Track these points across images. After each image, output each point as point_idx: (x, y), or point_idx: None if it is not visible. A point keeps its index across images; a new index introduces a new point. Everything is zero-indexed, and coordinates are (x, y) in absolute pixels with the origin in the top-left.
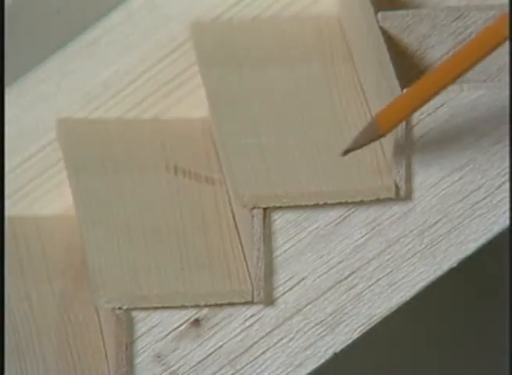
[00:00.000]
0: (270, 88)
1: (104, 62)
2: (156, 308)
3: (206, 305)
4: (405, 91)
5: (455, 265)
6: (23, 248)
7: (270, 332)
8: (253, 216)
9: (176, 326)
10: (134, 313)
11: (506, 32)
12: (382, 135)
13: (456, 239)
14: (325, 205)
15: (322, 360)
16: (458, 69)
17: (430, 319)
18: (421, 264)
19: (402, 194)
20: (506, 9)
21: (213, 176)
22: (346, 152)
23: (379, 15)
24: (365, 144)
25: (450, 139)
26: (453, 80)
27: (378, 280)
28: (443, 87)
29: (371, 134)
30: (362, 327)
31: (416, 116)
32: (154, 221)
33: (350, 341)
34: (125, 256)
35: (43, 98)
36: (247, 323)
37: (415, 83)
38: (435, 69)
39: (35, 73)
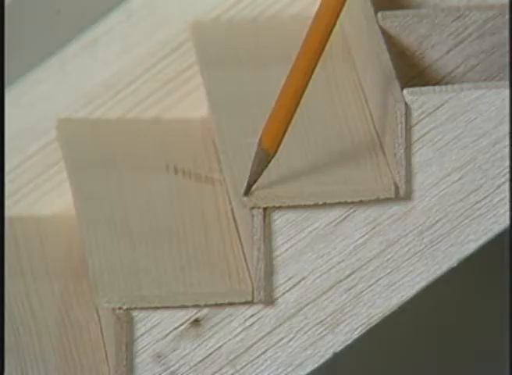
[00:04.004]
0: (270, 88)
1: (104, 62)
2: (156, 308)
3: (206, 305)
4: (274, 104)
5: (455, 265)
6: (23, 248)
7: (270, 332)
8: (253, 216)
9: (176, 326)
10: (134, 313)
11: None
12: (274, 155)
13: (456, 239)
14: (325, 205)
15: (322, 360)
16: (312, 53)
17: (430, 318)
18: (421, 264)
19: (402, 194)
20: (506, 9)
21: (213, 176)
22: (249, 188)
23: (379, 15)
24: (263, 171)
25: (450, 139)
26: (312, 68)
27: (378, 280)
28: (305, 82)
29: (262, 160)
30: (362, 327)
31: (416, 116)
32: (154, 221)
33: (349, 341)
34: (125, 256)
35: (43, 98)
36: (247, 323)
37: (279, 93)
38: (289, 72)
39: (35, 73)
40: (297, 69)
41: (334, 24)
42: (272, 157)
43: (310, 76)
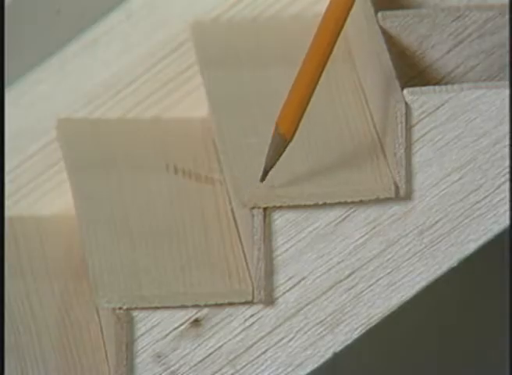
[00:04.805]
0: (270, 88)
1: (104, 62)
2: (156, 308)
3: (206, 305)
4: (290, 90)
5: (455, 265)
6: (23, 248)
7: (270, 332)
8: (253, 216)
9: (176, 326)
10: (134, 313)
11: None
12: (290, 140)
13: (456, 239)
14: (325, 205)
15: (322, 360)
16: (326, 45)
17: (430, 318)
18: (421, 264)
19: (402, 194)
20: (506, 9)
21: (213, 176)
22: (265, 174)
23: (379, 15)
24: (279, 156)
25: (450, 139)
26: (327, 58)
27: (378, 280)
28: (321, 67)
29: (279, 146)
30: (362, 327)
31: (416, 116)
32: (154, 221)
33: (349, 341)
34: (125, 256)
35: (43, 98)
36: (247, 323)
37: (295, 78)
38: (305, 57)
39: (35, 73)
40: (314, 54)
41: (349, 11)
42: (289, 142)
43: (326, 61)
